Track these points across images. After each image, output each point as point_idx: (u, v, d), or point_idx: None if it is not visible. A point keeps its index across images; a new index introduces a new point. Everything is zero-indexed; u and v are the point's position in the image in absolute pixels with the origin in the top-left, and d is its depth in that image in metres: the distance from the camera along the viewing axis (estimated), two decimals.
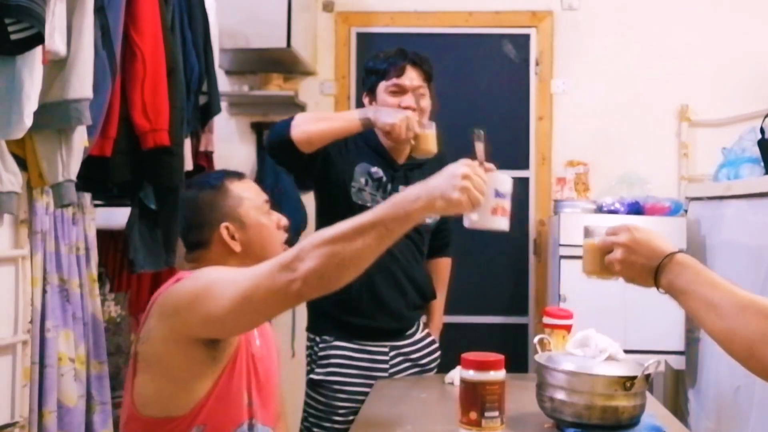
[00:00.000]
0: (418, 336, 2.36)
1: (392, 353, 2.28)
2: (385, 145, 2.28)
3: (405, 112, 2.13)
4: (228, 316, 1.38)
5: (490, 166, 1.41)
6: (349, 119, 2.15)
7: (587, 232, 1.42)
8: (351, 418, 2.13)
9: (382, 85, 2.23)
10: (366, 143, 2.28)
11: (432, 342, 2.40)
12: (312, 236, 1.33)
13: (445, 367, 2.25)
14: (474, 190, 1.32)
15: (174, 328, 1.47)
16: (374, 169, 2.24)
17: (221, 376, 1.53)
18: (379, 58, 2.29)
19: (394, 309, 2.27)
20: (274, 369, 1.71)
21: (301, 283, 1.30)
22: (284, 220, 1.70)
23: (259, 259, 1.50)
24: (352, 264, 1.32)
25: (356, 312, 2.23)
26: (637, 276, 1.36)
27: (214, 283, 1.42)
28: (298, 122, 2.13)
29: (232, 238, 1.62)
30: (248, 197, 1.66)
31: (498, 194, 1.40)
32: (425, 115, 2.26)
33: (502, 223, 1.42)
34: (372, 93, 2.28)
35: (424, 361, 2.34)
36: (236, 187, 1.66)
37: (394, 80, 2.21)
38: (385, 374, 2.25)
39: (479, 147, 1.43)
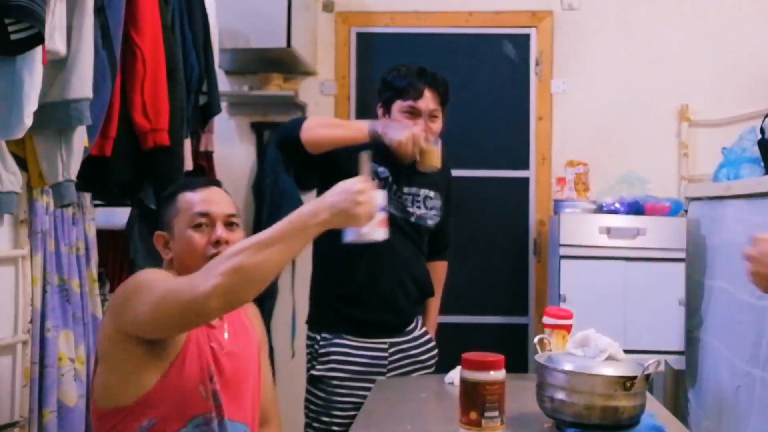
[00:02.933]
0: (416, 333, 2.38)
1: (391, 350, 2.30)
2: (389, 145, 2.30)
3: (413, 127, 2.15)
4: (147, 321, 1.46)
5: (373, 183, 1.54)
6: (358, 129, 2.18)
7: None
8: (350, 413, 2.16)
9: (398, 104, 2.25)
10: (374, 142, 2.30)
11: (430, 339, 2.42)
12: (221, 253, 1.42)
13: (444, 367, 2.25)
14: (371, 204, 1.46)
15: (114, 324, 1.54)
16: (381, 169, 2.25)
17: (169, 371, 1.56)
18: (399, 74, 2.29)
19: (394, 303, 2.30)
20: (248, 366, 1.73)
21: (206, 299, 1.36)
22: (218, 234, 1.64)
23: (185, 270, 1.59)
24: (257, 277, 1.39)
25: (358, 305, 2.26)
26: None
27: (143, 285, 1.49)
28: (310, 125, 2.17)
29: (166, 246, 1.68)
30: (184, 209, 1.66)
31: (380, 209, 1.54)
32: (434, 137, 2.28)
33: (382, 234, 1.55)
34: (387, 107, 2.30)
35: (422, 358, 2.36)
36: (183, 198, 1.68)
37: (411, 102, 2.23)
38: (384, 370, 2.27)
39: (366, 166, 1.56)
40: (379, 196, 1.53)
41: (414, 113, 2.23)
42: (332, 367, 2.24)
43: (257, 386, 1.77)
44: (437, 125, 2.28)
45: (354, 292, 2.24)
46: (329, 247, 2.23)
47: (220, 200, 1.69)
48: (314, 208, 1.44)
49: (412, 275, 2.34)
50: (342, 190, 1.45)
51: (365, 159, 1.58)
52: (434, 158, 2.19)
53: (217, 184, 1.76)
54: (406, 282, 2.33)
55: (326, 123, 2.24)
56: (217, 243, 1.63)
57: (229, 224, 1.67)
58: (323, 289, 2.31)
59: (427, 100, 2.24)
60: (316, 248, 2.33)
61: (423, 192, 2.34)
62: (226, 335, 1.70)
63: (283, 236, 1.40)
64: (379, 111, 2.34)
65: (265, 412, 1.82)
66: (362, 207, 1.44)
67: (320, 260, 2.35)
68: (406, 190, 2.31)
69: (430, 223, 2.37)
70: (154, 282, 1.49)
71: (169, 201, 1.70)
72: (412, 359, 2.34)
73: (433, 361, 2.40)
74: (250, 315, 1.85)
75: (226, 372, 1.65)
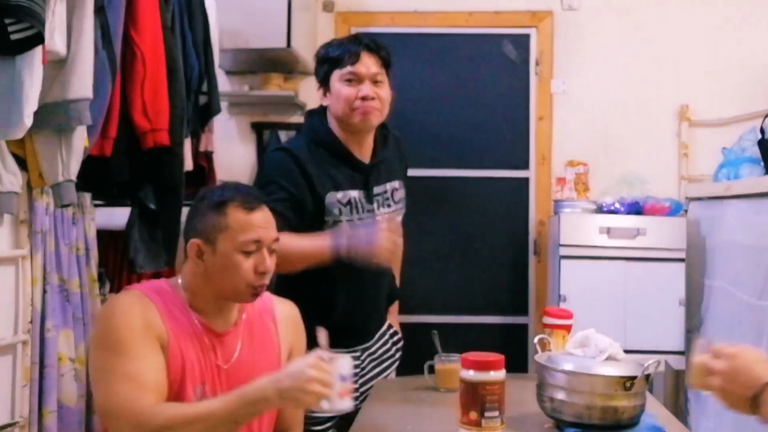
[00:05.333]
0: (381, 330, 2.30)
1: (363, 356, 2.21)
2: (346, 144, 2.12)
3: (380, 228, 1.83)
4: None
5: (332, 355, 1.48)
6: (319, 253, 1.90)
7: (698, 347, 1.38)
8: (327, 425, 2.12)
9: (336, 74, 2.06)
10: (327, 150, 2.10)
11: (395, 332, 2.35)
12: (161, 410, 1.44)
13: None
14: (322, 389, 1.40)
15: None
16: (340, 195, 2.07)
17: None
18: (332, 45, 2.13)
19: (368, 326, 2.24)
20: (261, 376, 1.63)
21: None
22: (265, 266, 1.57)
23: (217, 288, 1.57)
24: None
25: (333, 331, 2.14)
26: (735, 404, 1.28)
27: (99, 365, 1.51)
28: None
29: (200, 257, 1.57)
30: (236, 229, 1.55)
31: (342, 378, 1.47)
32: (386, 105, 2.12)
33: (347, 404, 1.48)
34: (325, 84, 2.10)
35: (389, 354, 2.31)
36: (235, 215, 1.55)
37: (349, 68, 2.05)
38: (356, 378, 2.11)
39: (322, 339, 1.53)
40: (343, 366, 1.47)
41: (355, 79, 2.05)
42: None
43: None
44: (384, 91, 2.09)
45: (331, 324, 2.08)
46: (302, 281, 2.04)
47: (269, 224, 1.60)
48: (264, 392, 1.42)
49: (386, 293, 2.28)
50: (292, 374, 1.42)
51: (322, 334, 1.53)
52: (452, 379, 1.83)
53: (264, 201, 1.62)
54: (380, 303, 2.26)
55: (285, 256, 1.76)
56: (263, 274, 1.57)
57: (271, 250, 1.60)
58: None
59: (367, 64, 2.05)
60: (289, 278, 2.10)
61: (389, 186, 2.19)
62: (239, 344, 1.63)
63: (233, 416, 1.42)
64: (319, 93, 2.13)
65: (287, 421, 1.76)
66: (310, 395, 1.40)
67: (294, 289, 2.06)
68: (376, 190, 2.15)
69: (399, 219, 2.22)
70: (108, 372, 1.48)
71: (217, 211, 1.56)
72: (380, 358, 2.27)
73: (399, 353, 2.33)
74: (281, 318, 1.73)
75: (230, 385, 1.58)
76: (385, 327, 2.33)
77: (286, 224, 1.88)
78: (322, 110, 2.15)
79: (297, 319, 1.79)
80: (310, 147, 2.10)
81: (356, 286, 2.11)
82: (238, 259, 1.55)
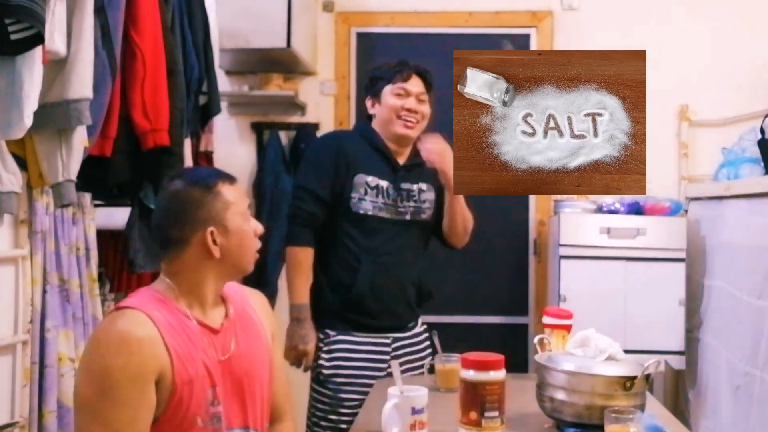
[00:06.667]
0: (417, 330, 2.44)
1: (395, 344, 2.35)
2: (387, 145, 2.39)
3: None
4: None
5: (405, 388, 1.60)
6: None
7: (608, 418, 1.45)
8: (357, 410, 2.16)
9: (388, 88, 2.38)
10: (370, 144, 2.38)
11: (427, 338, 2.46)
12: None
13: None
14: None
15: None
16: (370, 179, 2.33)
17: (161, 417, 1.49)
18: (386, 65, 2.46)
19: (394, 309, 2.36)
20: (259, 366, 1.65)
21: None
22: (260, 228, 1.64)
23: (235, 265, 1.59)
24: None
25: (359, 311, 2.31)
26: None
27: (77, 397, 1.47)
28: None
29: (214, 243, 1.55)
30: (235, 202, 1.60)
31: (415, 411, 1.54)
32: (425, 120, 2.42)
33: None
34: (377, 96, 2.42)
35: (419, 355, 2.40)
36: (227, 191, 1.59)
37: (400, 84, 2.37)
38: (386, 365, 2.29)
39: (396, 371, 1.65)
40: (415, 399, 1.54)
41: (404, 94, 2.37)
42: (337, 365, 2.28)
43: (269, 384, 1.69)
44: (426, 108, 2.41)
45: (355, 300, 2.30)
46: (330, 255, 2.35)
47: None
48: None
49: (412, 280, 2.41)
50: None
51: (396, 367, 1.66)
52: (455, 378, 1.75)
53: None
54: (406, 287, 2.39)
55: (291, 274, 2.36)
56: (259, 236, 1.64)
57: None
58: (325, 295, 2.35)
59: (415, 83, 2.40)
60: (318, 255, 2.37)
61: (416, 186, 2.40)
62: (232, 346, 1.61)
63: None
64: (368, 103, 2.45)
65: (277, 408, 1.75)
66: None
67: (322, 267, 2.38)
68: (404, 185, 2.38)
69: (424, 216, 2.42)
70: (88, 411, 1.44)
71: (213, 195, 1.56)
72: (410, 356, 2.37)
73: (425, 359, 2.40)
74: (256, 306, 1.74)
75: (234, 377, 1.59)
76: (419, 329, 2.46)
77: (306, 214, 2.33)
78: (369, 120, 2.47)
79: (268, 306, 1.84)
80: (356, 136, 2.45)
81: (379, 261, 2.32)
82: (246, 229, 1.61)
